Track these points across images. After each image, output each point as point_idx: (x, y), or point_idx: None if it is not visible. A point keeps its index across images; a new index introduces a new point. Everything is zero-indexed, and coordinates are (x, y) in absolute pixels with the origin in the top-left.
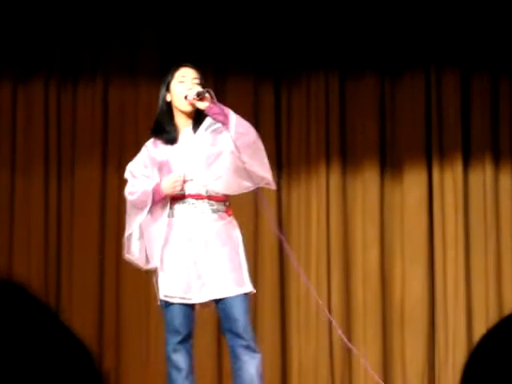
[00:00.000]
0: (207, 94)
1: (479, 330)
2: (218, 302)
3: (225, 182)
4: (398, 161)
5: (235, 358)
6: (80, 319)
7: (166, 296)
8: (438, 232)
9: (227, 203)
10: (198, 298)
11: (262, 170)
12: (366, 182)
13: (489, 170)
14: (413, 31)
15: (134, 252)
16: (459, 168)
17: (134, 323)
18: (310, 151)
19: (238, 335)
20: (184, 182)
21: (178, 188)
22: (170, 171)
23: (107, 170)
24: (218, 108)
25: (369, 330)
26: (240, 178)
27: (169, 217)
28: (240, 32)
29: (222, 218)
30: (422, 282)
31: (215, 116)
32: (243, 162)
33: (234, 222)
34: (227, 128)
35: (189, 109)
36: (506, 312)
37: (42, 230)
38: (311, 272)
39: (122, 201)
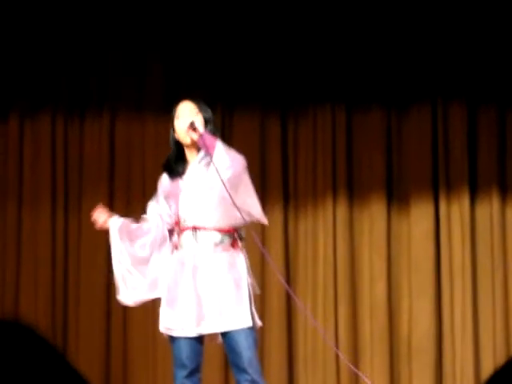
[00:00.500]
0: (198, 125)
1: (487, 363)
2: (223, 335)
3: (221, 214)
4: (404, 194)
5: None
6: (87, 359)
7: (166, 328)
8: (445, 265)
9: (235, 235)
10: (197, 330)
11: (250, 204)
12: (373, 215)
13: (496, 203)
14: (419, 65)
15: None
16: (466, 201)
17: (141, 362)
18: (317, 184)
19: (242, 370)
20: (189, 213)
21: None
22: (176, 202)
23: (114, 204)
24: (207, 138)
25: (376, 364)
26: (232, 211)
27: (175, 248)
28: (247, 66)
29: (225, 250)
30: (429, 314)
31: (203, 147)
32: (231, 196)
33: (241, 255)
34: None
35: (188, 141)
36: None
37: (50, 266)
38: (318, 305)
39: None
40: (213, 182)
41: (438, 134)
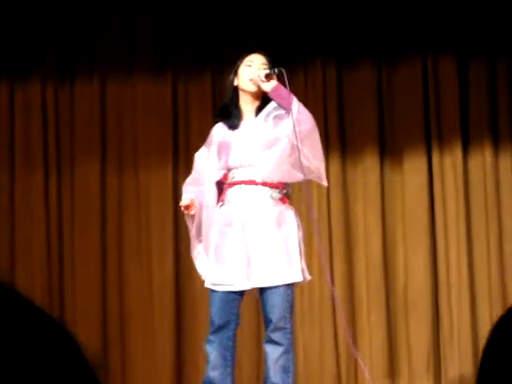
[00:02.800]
0: (274, 76)
1: (483, 314)
2: (261, 291)
3: (278, 168)
4: (397, 147)
5: (264, 350)
6: (84, 326)
7: (212, 284)
8: (439, 217)
9: (284, 191)
10: (248, 284)
11: (316, 162)
12: (366, 170)
13: (488, 153)
14: (409, 18)
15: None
16: (459, 153)
17: (138, 328)
18: None
19: (275, 324)
20: (239, 167)
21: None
22: (228, 154)
23: (106, 168)
24: (283, 90)
25: (373, 317)
26: (293, 168)
27: (223, 203)
28: (236, 23)
29: (276, 205)
30: (424, 267)
31: (279, 98)
32: (300, 151)
33: (290, 210)
34: (288, 113)
35: (253, 89)
36: (509, 295)
37: (44, 231)
38: (313, 262)
39: (121, 197)
40: (283, 136)
41: (428, 87)
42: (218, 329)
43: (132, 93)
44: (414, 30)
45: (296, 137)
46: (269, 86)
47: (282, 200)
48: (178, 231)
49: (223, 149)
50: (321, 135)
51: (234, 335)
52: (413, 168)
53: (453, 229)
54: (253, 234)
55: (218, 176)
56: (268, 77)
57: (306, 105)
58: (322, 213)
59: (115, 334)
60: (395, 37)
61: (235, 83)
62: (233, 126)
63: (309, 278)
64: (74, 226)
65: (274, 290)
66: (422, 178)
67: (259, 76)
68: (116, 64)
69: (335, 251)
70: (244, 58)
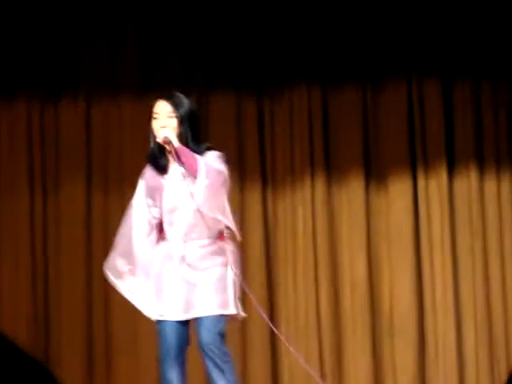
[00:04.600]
0: (171, 138)
1: (469, 336)
2: (197, 320)
3: (198, 224)
4: (382, 170)
5: (209, 376)
6: (69, 368)
7: (156, 315)
8: (424, 239)
9: (221, 230)
10: (185, 315)
11: (222, 217)
12: (352, 192)
13: (473, 176)
14: (393, 41)
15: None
16: (444, 175)
17: (123, 358)
18: (295, 163)
19: (206, 351)
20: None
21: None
22: (161, 198)
23: (92, 188)
24: (180, 154)
25: (359, 339)
26: (210, 220)
27: (161, 239)
28: (221, 46)
29: (211, 245)
30: (410, 289)
31: (177, 162)
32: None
33: (226, 247)
34: (194, 174)
35: (168, 148)
36: (495, 316)
37: (29, 253)
38: (299, 283)
39: (107, 217)
40: (189, 195)
41: (413, 110)
42: (177, 356)
43: (117, 113)
44: (399, 53)
45: (192, 198)
46: (171, 149)
47: (218, 238)
48: None
49: (156, 191)
50: (306, 157)
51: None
52: (398, 190)
53: (438, 251)
54: (190, 268)
55: (157, 216)
56: (166, 141)
57: (292, 128)
58: (307, 235)
59: (101, 359)
60: (380, 59)
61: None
62: (162, 169)
63: (243, 314)
64: (59, 245)
65: (206, 319)
66: (408, 200)
67: (163, 140)
68: (101, 85)
69: (320, 273)
70: (152, 107)
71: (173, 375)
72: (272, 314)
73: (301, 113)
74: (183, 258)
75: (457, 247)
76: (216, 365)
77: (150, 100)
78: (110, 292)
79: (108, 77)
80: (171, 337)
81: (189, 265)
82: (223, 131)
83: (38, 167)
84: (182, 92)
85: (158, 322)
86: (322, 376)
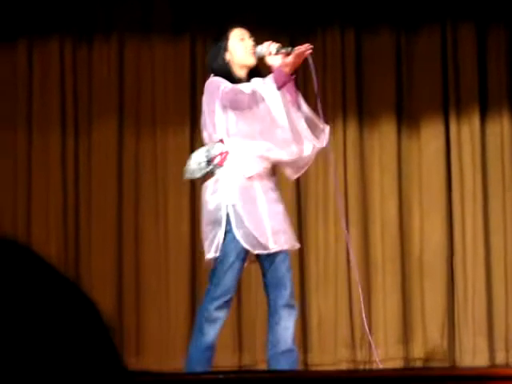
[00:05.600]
0: (285, 52)
1: (498, 280)
2: (263, 256)
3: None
4: (415, 114)
5: (275, 312)
6: (99, 290)
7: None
8: (456, 183)
9: None
10: (274, 247)
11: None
12: (383, 136)
13: (506, 121)
14: None
15: None
16: (476, 120)
17: (153, 289)
18: (327, 106)
19: (281, 290)
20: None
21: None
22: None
23: (124, 129)
24: (285, 73)
25: (388, 282)
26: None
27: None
28: None
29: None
30: (440, 232)
31: (279, 78)
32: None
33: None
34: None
35: (253, 61)
36: None
37: (60, 193)
38: (330, 226)
39: (139, 158)
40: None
41: (447, 55)
42: (226, 303)
43: (150, 54)
44: None
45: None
46: (276, 62)
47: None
48: (195, 191)
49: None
50: (338, 100)
51: None
52: (430, 134)
53: (469, 194)
54: (270, 203)
55: None
56: (278, 51)
57: (324, 71)
58: (338, 178)
59: (130, 294)
60: (414, 4)
61: (227, 57)
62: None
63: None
64: (90, 186)
65: (282, 257)
66: (439, 144)
67: (270, 49)
68: (134, 25)
69: (351, 215)
70: (229, 33)
71: (222, 314)
72: (302, 254)
73: (334, 56)
74: (264, 193)
75: (488, 190)
76: (288, 304)
77: (183, 40)
78: (140, 231)
79: (141, 17)
80: (232, 278)
81: (268, 199)
82: None
83: (70, 107)
84: (218, 33)
85: (222, 260)
86: (351, 320)
